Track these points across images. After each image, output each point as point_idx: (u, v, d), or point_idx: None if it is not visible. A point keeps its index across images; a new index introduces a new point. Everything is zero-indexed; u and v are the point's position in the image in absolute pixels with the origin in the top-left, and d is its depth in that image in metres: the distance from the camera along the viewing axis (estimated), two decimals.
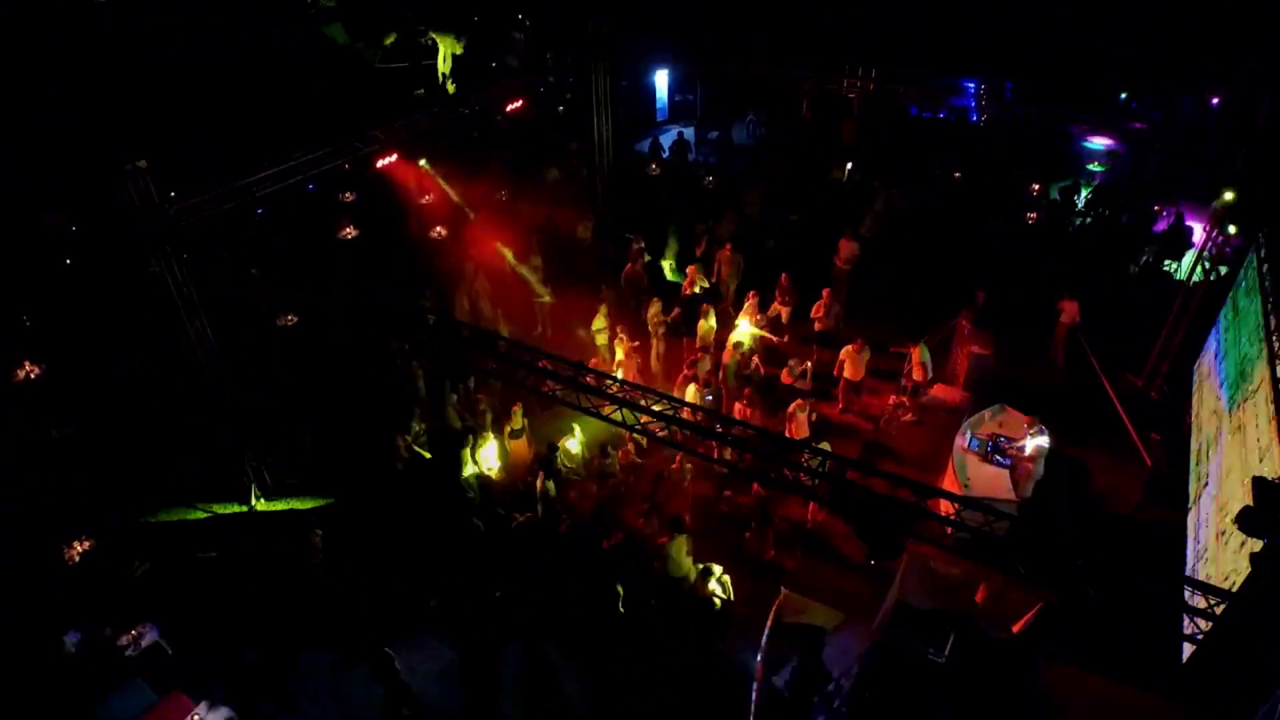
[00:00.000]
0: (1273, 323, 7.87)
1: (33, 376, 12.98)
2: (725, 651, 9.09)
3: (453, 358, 7.98)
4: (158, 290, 10.10)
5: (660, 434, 6.51)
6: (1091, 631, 8.24)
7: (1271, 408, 7.25)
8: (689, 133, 23.54)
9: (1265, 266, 8.87)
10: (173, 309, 10.23)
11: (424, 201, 16.62)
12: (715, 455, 9.76)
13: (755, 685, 8.65)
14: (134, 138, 9.64)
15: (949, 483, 9.91)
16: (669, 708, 8.77)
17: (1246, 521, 5.62)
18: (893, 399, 12.11)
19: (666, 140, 23.05)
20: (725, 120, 23.62)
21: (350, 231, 17.28)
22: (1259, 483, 5.76)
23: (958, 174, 19.88)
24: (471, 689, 9.00)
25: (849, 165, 20.28)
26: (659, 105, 25.27)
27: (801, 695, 7.71)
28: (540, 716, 8.90)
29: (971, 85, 21.72)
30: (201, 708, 8.44)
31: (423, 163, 14.87)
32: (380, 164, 12.33)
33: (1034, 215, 17.53)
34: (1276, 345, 7.67)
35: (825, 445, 9.73)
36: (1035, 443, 9.77)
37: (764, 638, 9.05)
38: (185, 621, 9.68)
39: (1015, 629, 9.37)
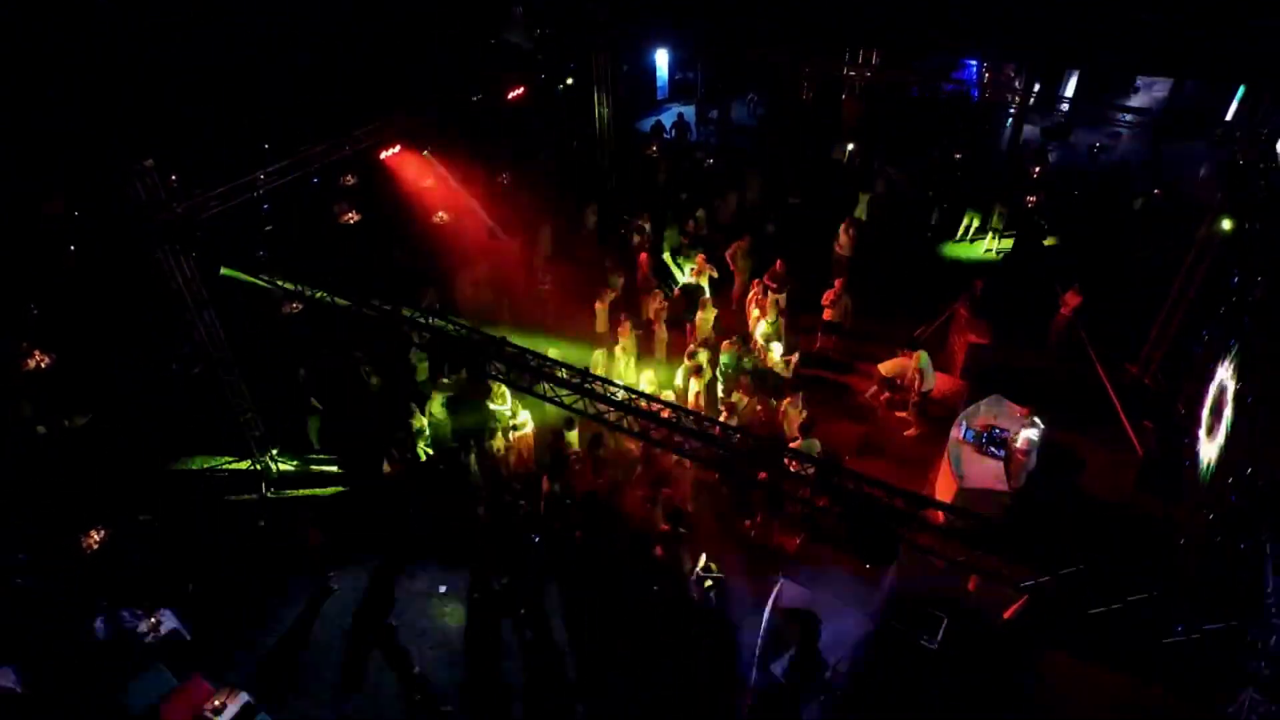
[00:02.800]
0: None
1: (43, 366, 13.21)
2: (722, 640, 9.34)
3: (452, 359, 8.10)
4: (166, 285, 10.22)
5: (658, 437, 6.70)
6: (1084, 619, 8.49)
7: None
8: (689, 112, 23.49)
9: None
10: (181, 304, 10.36)
11: (426, 186, 16.67)
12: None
13: (753, 672, 8.98)
14: (140, 136, 9.69)
15: (944, 474, 10.12)
16: (667, 693, 9.07)
17: (1225, 526, 5.85)
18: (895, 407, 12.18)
19: (667, 120, 23.00)
20: (726, 99, 23.54)
21: (352, 216, 17.38)
22: (1238, 490, 5.98)
23: (958, 154, 19.90)
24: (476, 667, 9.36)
25: (849, 146, 20.28)
26: (659, 84, 25.21)
27: (798, 682, 8.00)
28: (541, 695, 9.22)
29: (972, 65, 21.67)
30: (221, 693, 8.74)
31: (426, 154, 14.88)
32: (384, 155, 12.35)
33: (1033, 199, 17.53)
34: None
35: (816, 443, 10.04)
36: (1027, 434, 9.95)
37: (763, 625, 9.36)
38: (199, 607, 9.98)
39: (1006, 615, 9.69)
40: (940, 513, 9.07)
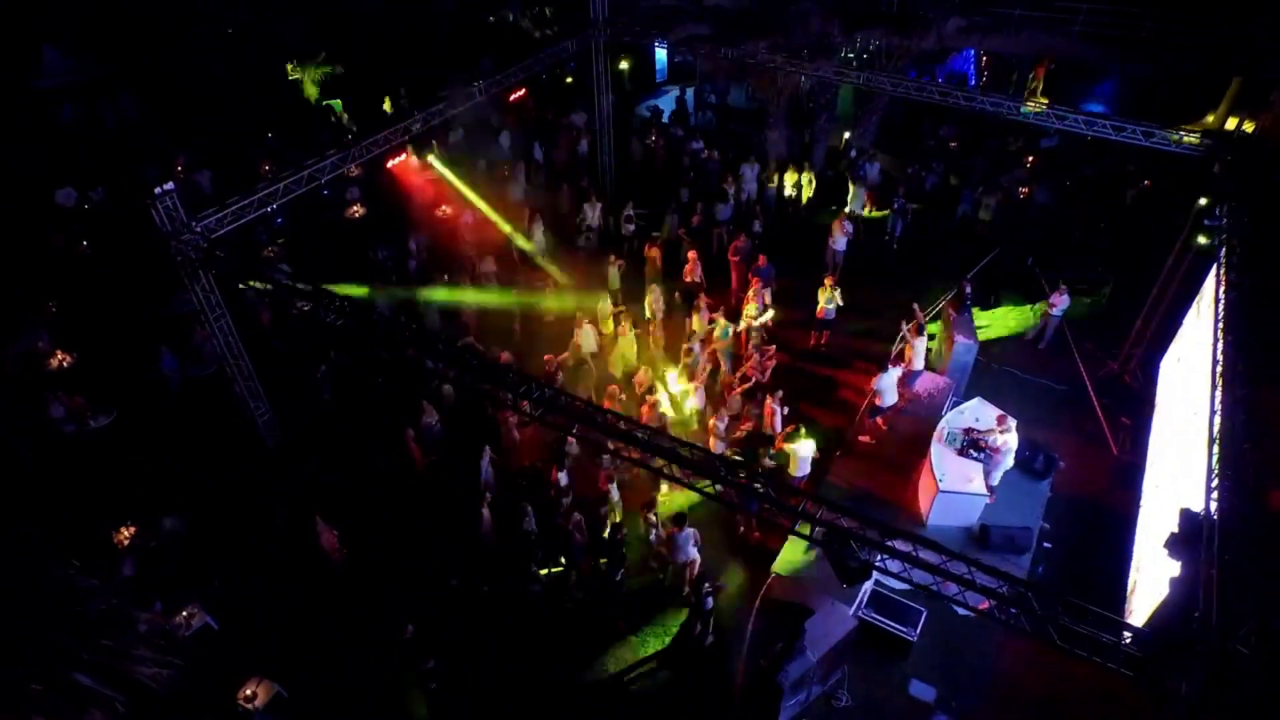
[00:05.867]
0: (1220, 336, 8.42)
1: (65, 365, 13.75)
2: (712, 637, 10.01)
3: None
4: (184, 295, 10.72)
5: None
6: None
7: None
8: (688, 97, 23.57)
9: (1222, 274, 9.35)
10: (200, 312, 10.86)
11: (429, 180, 16.99)
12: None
13: (741, 664, 9.68)
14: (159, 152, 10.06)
15: (926, 475, 10.68)
16: (661, 686, 9.78)
17: (1172, 547, 6.45)
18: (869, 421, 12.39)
19: (666, 104, 23.13)
20: (724, 82, 23.63)
21: (358, 210, 17.75)
22: (1185, 513, 6.56)
23: (954, 144, 20.12)
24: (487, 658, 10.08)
25: (846, 135, 20.49)
26: (658, 66, 25.28)
27: (784, 674, 8.67)
28: (543, 684, 9.90)
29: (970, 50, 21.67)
30: (252, 682, 9.43)
31: (432, 159, 15.18)
32: (390, 164, 12.70)
33: (1025, 190, 17.79)
34: (1220, 352, 8.21)
35: (811, 443, 10.62)
36: (1004, 439, 10.46)
37: (752, 620, 10.06)
38: (224, 602, 10.63)
39: (982, 607, 10.35)
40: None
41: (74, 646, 3.88)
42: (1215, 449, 6.80)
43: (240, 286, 10.03)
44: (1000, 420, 10.46)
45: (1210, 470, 6.66)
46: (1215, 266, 9.58)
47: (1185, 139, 11.59)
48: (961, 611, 10.13)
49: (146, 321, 14.34)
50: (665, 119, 22.05)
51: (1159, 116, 12.58)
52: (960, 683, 9.61)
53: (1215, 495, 6.35)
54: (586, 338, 13.33)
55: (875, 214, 17.84)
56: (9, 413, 12.32)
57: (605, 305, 14.35)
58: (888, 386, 11.74)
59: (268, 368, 12.48)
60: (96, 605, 4.28)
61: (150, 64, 19.03)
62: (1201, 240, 10.46)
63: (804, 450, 10.76)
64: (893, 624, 9.75)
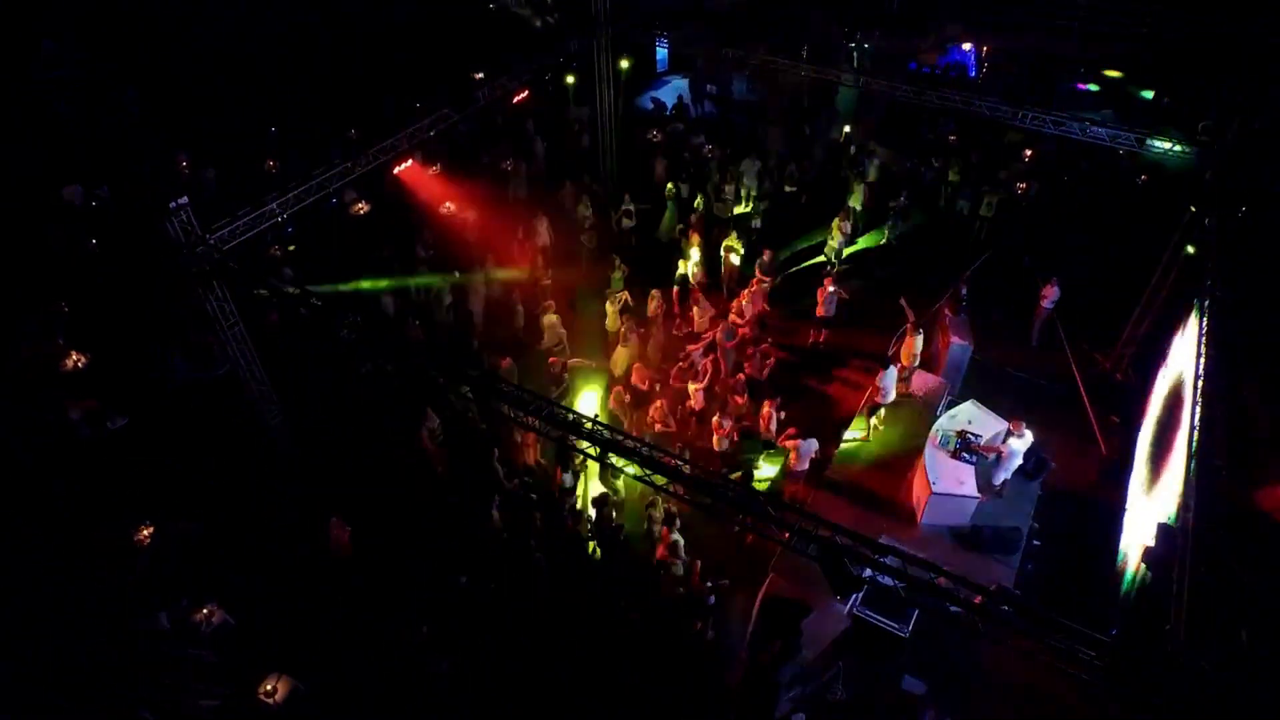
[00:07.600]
0: (1202, 351, 8.68)
1: (79, 366, 14.00)
2: (712, 633, 10.39)
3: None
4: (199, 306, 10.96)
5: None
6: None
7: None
8: (685, 87, 23.58)
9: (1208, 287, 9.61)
10: (215, 322, 11.12)
11: (432, 175, 17.13)
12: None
13: (741, 661, 10.08)
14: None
15: (919, 478, 11.01)
16: (657, 683, 10.14)
17: (1148, 560, 6.79)
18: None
19: (668, 97, 23.15)
20: (725, 73, 23.62)
21: (362, 207, 17.89)
22: (1162, 528, 6.88)
23: (953, 137, 20.19)
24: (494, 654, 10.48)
25: (846, 128, 20.59)
26: (659, 56, 25.25)
27: (781, 672, 9.07)
28: (554, 681, 10.29)
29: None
30: (272, 679, 9.82)
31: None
32: (397, 170, 12.87)
33: (1024, 186, 17.90)
34: (1202, 365, 8.48)
35: (814, 442, 11.00)
36: (1008, 445, 10.72)
37: (752, 620, 10.44)
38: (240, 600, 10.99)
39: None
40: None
41: (142, 684, 4.20)
42: (1192, 464, 7.10)
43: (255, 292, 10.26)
44: (1016, 426, 10.71)
45: (1188, 486, 6.96)
46: (1203, 280, 9.82)
47: (1178, 146, 11.73)
48: (953, 609, 10.74)
49: (151, 321, 14.57)
50: (668, 111, 22.11)
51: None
52: (950, 676, 10.01)
53: (1191, 511, 6.67)
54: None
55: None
56: (12, 413, 12.58)
57: (611, 306, 14.56)
58: (889, 384, 12.05)
59: (275, 368, 12.75)
60: (162, 648, 4.61)
61: (150, 61, 19.07)
62: (1190, 250, 10.69)
63: (806, 447, 11.14)
64: (886, 620, 10.15)
